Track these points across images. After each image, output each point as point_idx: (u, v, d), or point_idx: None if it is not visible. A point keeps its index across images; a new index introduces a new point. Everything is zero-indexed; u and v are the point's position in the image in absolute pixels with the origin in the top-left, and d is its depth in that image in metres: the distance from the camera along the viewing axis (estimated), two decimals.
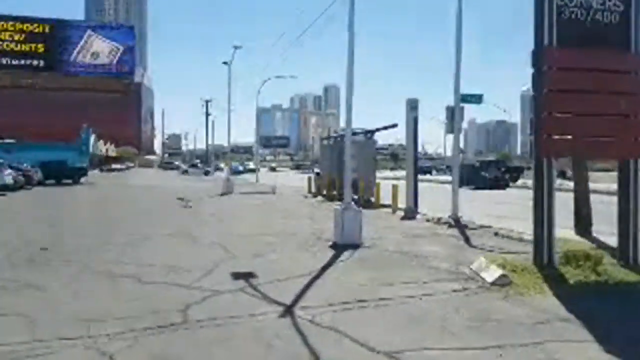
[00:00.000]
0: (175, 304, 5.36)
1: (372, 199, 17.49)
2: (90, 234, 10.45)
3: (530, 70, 6.82)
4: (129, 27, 54.54)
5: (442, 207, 16.56)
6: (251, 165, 77.27)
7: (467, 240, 9.77)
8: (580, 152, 6.95)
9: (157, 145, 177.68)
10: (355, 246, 8.82)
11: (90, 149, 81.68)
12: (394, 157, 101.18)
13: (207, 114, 73.51)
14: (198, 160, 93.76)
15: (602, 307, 5.27)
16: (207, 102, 72.09)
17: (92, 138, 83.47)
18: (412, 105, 15.29)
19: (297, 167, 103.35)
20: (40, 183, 31.05)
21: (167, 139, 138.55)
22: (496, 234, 10.49)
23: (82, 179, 36.61)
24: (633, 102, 6.87)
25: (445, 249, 8.76)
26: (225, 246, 9.06)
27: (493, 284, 6.02)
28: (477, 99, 13.81)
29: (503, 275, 6.12)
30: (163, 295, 5.87)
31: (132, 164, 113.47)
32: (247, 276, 6.69)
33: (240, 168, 64.51)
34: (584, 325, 4.61)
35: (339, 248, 8.73)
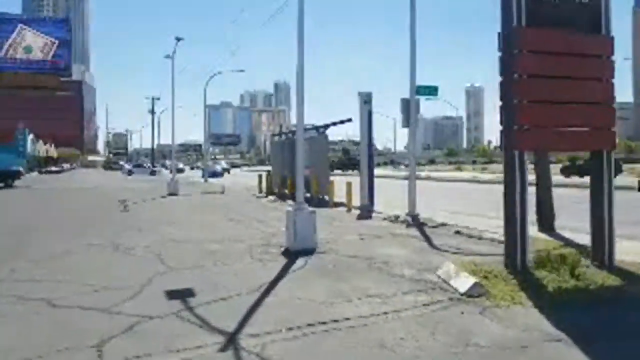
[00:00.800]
0: (89, 337, 4.33)
1: (326, 198, 16.73)
2: (2, 247, 9.09)
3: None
4: (63, 19, 51.07)
5: (398, 203, 16.05)
6: (223, 164, 73.97)
7: (428, 240, 9.12)
8: (555, 144, 6.37)
9: (102, 145, 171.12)
10: (310, 252, 7.97)
11: (28, 150, 77.25)
12: (345, 152, 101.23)
13: (153, 112, 70.79)
14: (146, 160, 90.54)
15: (592, 320, 4.64)
16: (153, 99, 69.48)
17: (30, 139, 78.91)
18: (366, 99, 14.62)
19: (261, 163, 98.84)
20: None
21: (110, 138, 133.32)
22: (457, 232, 9.92)
23: (16, 182, 33.96)
24: (605, 89, 6.35)
25: (406, 251, 8.05)
26: (161, 257, 7.99)
27: (466, 294, 5.31)
28: (432, 90, 13.28)
29: (476, 284, 5.42)
30: (76, 324, 4.80)
31: (74, 165, 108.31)
32: (184, 295, 5.71)
33: (219, 168, 56.07)
34: (579, 346, 3.94)
35: (291, 255, 7.85)
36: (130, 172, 59.89)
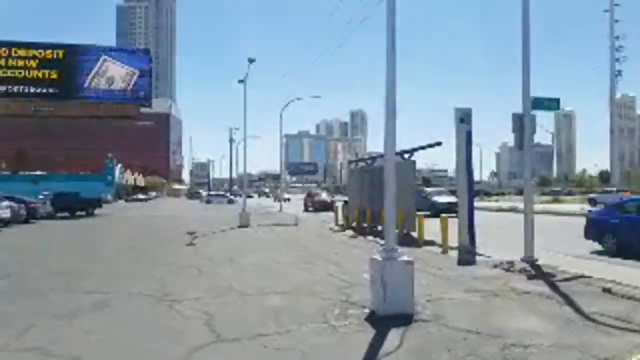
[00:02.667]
0: None
1: (413, 234, 14.34)
2: (37, 293, 7.65)
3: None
4: (144, 50, 53.24)
5: (503, 243, 13.32)
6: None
7: (570, 304, 6.53)
8: None
9: (186, 175, 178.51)
10: (407, 319, 5.73)
11: (116, 179, 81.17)
12: (425, 182, 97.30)
13: (231, 141, 72.04)
14: (223, 191, 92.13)
15: None
16: (231, 129, 70.78)
17: (118, 168, 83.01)
18: (463, 116, 12.22)
19: (337, 191, 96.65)
20: (50, 216, 29.12)
21: (192, 168, 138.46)
22: (607, 290, 7.23)
23: (101, 210, 34.52)
24: None
25: (548, 324, 5.57)
26: (211, 316, 6.11)
27: None
28: (553, 104, 10.66)
29: None
30: None
31: (159, 194, 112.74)
32: None
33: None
34: None
35: (380, 323, 5.65)
36: (208, 201, 60.44)
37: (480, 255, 11.17)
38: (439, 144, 14.64)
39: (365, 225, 18.08)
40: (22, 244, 15.93)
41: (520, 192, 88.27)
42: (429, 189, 33.20)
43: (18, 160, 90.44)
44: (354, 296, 7.09)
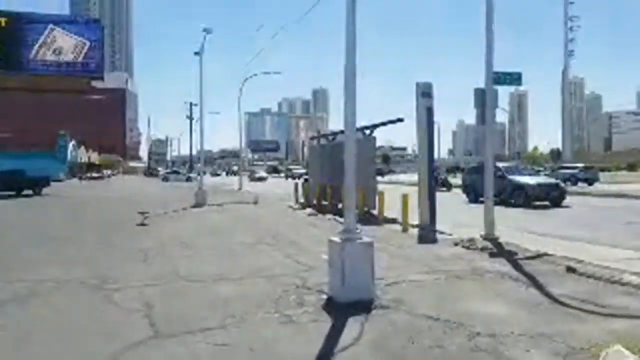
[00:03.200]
0: None
1: (374, 212, 14.02)
2: None
3: None
4: (95, 19, 50.16)
5: (462, 221, 13.17)
6: (262, 173, 72.21)
7: (536, 285, 6.26)
8: None
9: (144, 152, 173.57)
10: (366, 305, 5.30)
11: (68, 157, 77.72)
12: (385, 159, 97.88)
13: (191, 118, 69.93)
14: (183, 168, 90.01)
15: None
16: (190, 104, 68.56)
17: (71, 145, 79.42)
18: (425, 90, 11.82)
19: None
20: None
21: (151, 145, 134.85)
22: (571, 270, 7.02)
23: (45, 190, 32.67)
24: None
25: (515, 309, 5.25)
26: (152, 307, 5.51)
27: None
28: (514, 79, 10.33)
29: None
30: None
31: (115, 172, 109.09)
32: None
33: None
34: None
35: (338, 310, 5.20)
36: (165, 179, 58.78)
37: (441, 233, 10.93)
38: (400, 120, 14.25)
39: (325, 203, 17.66)
40: None
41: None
42: (502, 164, 22.46)
43: None
44: (310, 279, 6.62)
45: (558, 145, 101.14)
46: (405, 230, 11.31)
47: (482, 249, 8.77)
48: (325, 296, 5.78)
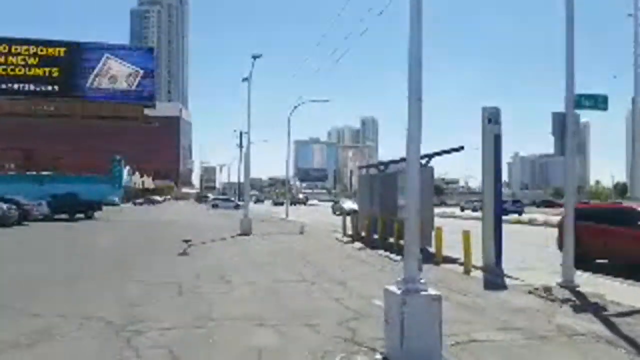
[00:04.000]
0: None
1: (430, 249, 12.81)
2: None
3: None
4: (149, 48, 51.85)
5: (531, 262, 11.78)
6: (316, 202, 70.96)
7: None
8: None
9: (196, 178, 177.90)
10: None
11: (124, 182, 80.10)
12: (437, 191, 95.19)
13: (241, 146, 70.73)
14: (234, 195, 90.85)
15: None
16: (241, 133, 69.46)
17: (126, 170, 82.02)
18: (491, 116, 10.74)
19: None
20: (48, 218, 27.99)
21: (202, 172, 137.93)
22: None
23: (97, 214, 33.15)
24: None
25: None
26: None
27: None
28: (600, 102, 9.07)
29: None
30: None
31: (168, 197, 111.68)
32: None
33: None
34: None
35: None
36: (214, 206, 59.15)
37: (508, 277, 9.63)
38: (461, 148, 13.13)
39: (375, 236, 16.57)
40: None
41: (534, 204, 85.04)
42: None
43: (27, 161, 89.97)
44: (361, 332, 5.61)
45: (623, 179, 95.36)
46: (467, 272, 10.06)
47: (563, 301, 7.46)
48: (379, 356, 4.76)
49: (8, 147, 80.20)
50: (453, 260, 11.62)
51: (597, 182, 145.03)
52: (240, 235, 19.13)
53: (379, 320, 5.07)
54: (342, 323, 6.05)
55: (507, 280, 9.29)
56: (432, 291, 4.67)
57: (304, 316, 6.38)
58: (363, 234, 17.65)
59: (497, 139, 10.58)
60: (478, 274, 9.90)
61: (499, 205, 10.66)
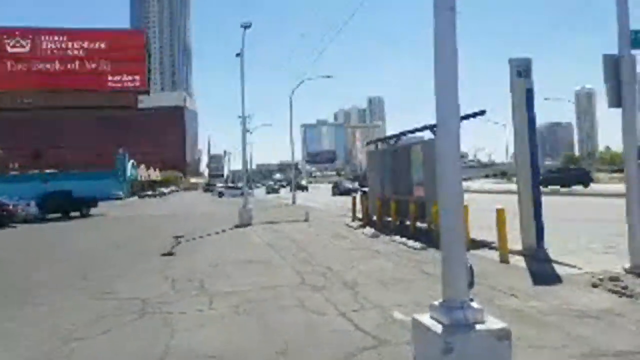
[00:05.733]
0: None
1: None
2: None
3: None
4: (138, 30, 49.56)
5: (575, 239, 9.86)
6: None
7: None
8: None
9: (205, 167, 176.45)
10: None
11: (129, 175, 78.60)
12: None
13: (244, 131, 68.73)
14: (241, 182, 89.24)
15: None
16: (244, 118, 67.42)
17: (130, 163, 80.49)
18: (522, 69, 8.76)
19: (357, 179, 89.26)
20: (38, 219, 26.58)
21: (209, 161, 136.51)
22: None
23: (94, 210, 31.53)
24: None
25: None
26: None
27: None
28: None
29: None
30: None
31: (175, 188, 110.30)
32: None
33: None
34: None
35: None
36: (220, 194, 57.58)
37: (557, 262, 7.75)
38: (482, 112, 11.13)
39: (389, 219, 14.72)
40: None
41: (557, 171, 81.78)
42: None
43: (34, 160, 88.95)
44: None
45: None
46: (505, 260, 8.15)
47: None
48: None
49: (16, 146, 79.11)
50: (484, 245, 9.73)
51: (608, 148, 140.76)
52: (238, 226, 17.35)
53: (405, 349, 3.25)
54: (353, 355, 4.23)
55: (557, 268, 7.41)
56: (492, 322, 2.81)
57: (298, 350, 4.55)
58: (374, 217, 15.81)
59: (529, 94, 8.60)
60: (519, 261, 8.02)
61: (536, 176, 8.71)
